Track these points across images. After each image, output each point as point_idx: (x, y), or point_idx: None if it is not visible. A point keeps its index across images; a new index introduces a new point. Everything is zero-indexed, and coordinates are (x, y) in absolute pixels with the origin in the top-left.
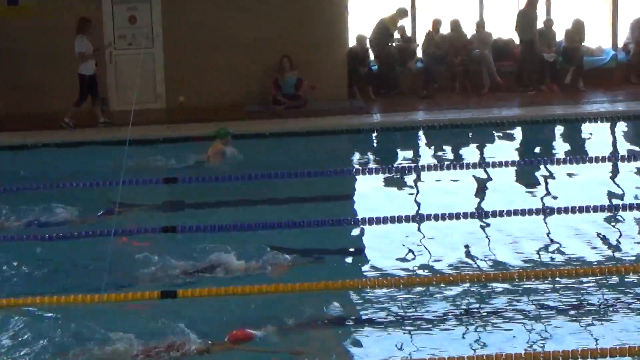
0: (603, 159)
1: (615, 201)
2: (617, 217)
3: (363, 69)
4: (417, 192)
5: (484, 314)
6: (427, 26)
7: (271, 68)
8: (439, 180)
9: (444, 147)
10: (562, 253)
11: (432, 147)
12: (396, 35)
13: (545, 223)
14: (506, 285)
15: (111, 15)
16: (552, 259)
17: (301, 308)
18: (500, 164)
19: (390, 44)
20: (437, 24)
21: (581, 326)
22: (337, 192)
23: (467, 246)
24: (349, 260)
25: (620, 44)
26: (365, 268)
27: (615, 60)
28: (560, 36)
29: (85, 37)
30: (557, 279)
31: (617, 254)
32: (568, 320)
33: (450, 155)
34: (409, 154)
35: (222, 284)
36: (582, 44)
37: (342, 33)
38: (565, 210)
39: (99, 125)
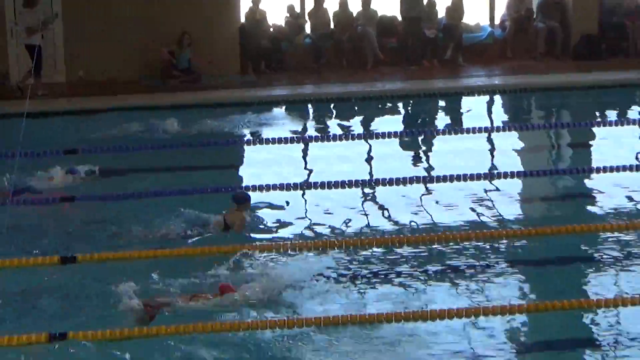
0: (480, 130)
1: (491, 169)
2: (494, 184)
3: (264, 41)
4: (304, 161)
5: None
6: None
7: (169, 43)
8: (325, 151)
9: (331, 119)
10: (441, 219)
11: (319, 119)
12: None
13: (427, 190)
14: (381, 249)
15: None
16: (432, 224)
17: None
18: (383, 135)
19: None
20: None
21: (466, 288)
22: (227, 161)
23: (351, 211)
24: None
25: (497, 21)
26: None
27: (492, 36)
28: (441, 13)
29: (32, 10)
30: (436, 243)
31: (495, 219)
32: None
33: (336, 127)
34: (297, 125)
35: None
36: (462, 21)
37: (233, 9)
38: (444, 178)
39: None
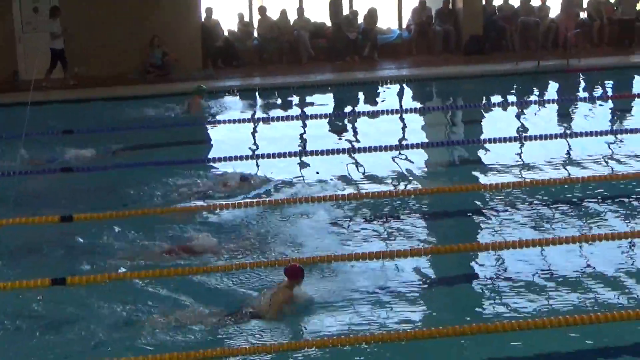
0: (392, 112)
1: (401, 141)
2: (403, 153)
3: (218, 43)
4: (252, 138)
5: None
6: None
7: (144, 45)
8: (270, 128)
9: (275, 103)
10: (360, 181)
11: (266, 104)
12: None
13: (351, 159)
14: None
15: (19, 6)
16: (353, 185)
17: None
18: (316, 116)
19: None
20: (261, 9)
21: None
22: (192, 139)
23: (292, 176)
24: None
25: (404, 25)
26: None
27: (400, 37)
28: (360, 20)
29: (56, 20)
30: (354, 200)
31: (403, 180)
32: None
33: (279, 110)
34: (248, 109)
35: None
36: (376, 25)
37: (195, 17)
38: (364, 149)
39: (70, 86)
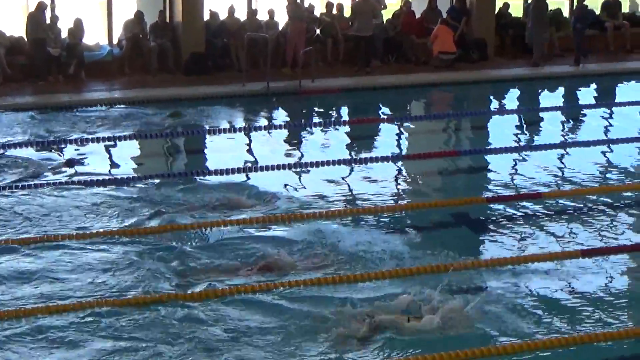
0: (102, 139)
1: (112, 170)
2: (122, 189)
3: None
4: None
5: None
6: None
7: None
8: None
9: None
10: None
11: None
12: None
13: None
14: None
15: None
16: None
17: None
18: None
19: None
20: None
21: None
22: None
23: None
24: None
25: (115, 41)
26: None
27: (111, 54)
28: (64, 34)
29: None
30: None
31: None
32: None
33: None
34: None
35: None
36: (83, 40)
37: None
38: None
39: None
